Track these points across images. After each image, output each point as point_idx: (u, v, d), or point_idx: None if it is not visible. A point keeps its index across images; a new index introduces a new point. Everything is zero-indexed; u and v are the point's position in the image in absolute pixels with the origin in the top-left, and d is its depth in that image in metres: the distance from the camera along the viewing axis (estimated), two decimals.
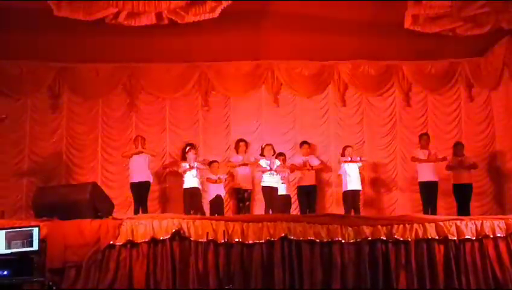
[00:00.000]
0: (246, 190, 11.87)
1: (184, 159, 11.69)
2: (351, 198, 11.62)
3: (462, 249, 9.02)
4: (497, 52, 12.19)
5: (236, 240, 8.75)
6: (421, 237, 8.98)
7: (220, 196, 11.57)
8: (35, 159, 12.52)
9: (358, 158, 11.85)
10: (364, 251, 8.87)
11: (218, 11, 9.46)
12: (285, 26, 11.03)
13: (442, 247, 9.01)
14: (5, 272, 7.50)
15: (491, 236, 9.06)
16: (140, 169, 11.60)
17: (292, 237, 8.80)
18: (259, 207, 11.97)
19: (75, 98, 12.87)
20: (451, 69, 13.03)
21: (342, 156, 11.92)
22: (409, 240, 8.95)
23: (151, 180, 11.75)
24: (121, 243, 8.63)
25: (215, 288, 8.55)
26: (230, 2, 9.24)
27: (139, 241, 8.66)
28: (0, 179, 12.20)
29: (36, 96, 12.74)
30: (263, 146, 11.64)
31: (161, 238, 8.68)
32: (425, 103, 13.15)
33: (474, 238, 9.06)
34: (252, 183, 12.06)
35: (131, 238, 8.65)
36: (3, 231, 7.90)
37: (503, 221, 9.22)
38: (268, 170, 11.18)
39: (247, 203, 11.91)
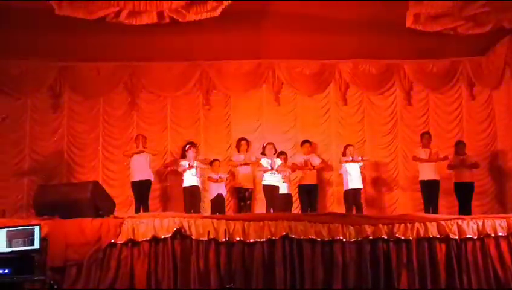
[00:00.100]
0: (247, 189, 11.87)
1: (184, 157, 11.68)
2: (352, 197, 11.60)
3: (464, 248, 9.03)
4: (499, 51, 12.19)
5: (238, 238, 8.76)
6: (422, 236, 8.99)
7: (221, 195, 11.59)
8: (36, 158, 12.53)
9: (360, 158, 11.84)
10: (365, 250, 8.88)
11: (219, 10, 9.45)
12: (286, 25, 11.01)
13: (443, 246, 9.01)
14: (6, 271, 7.50)
15: (493, 235, 9.07)
16: (142, 168, 11.60)
17: (293, 236, 8.81)
18: (260, 206, 11.97)
19: (76, 97, 12.88)
20: (452, 68, 13.02)
21: (343, 155, 11.92)
22: (411, 239, 8.95)
23: (152, 179, 11.75)
24: (122, 242, 8.65)
25: (217, 287, 8.55)
26: (231, 1, 9.23)
27: (140, 240, 8.67)
28: (1, 178, 12.21)
29: (37, 96, 12.75)
30: (264, 145, 11.64)
31: (162, 237, 8.69)
32: (427, 101, 13.14)
33: (476, 237, 9.06)
34: (253, 182, 12.06)
35: (132, 237, 8.66)
36: (5, 230, 7.90)
37: (505, 220, 9.22)
38: (270, 170, 11.16)
39: (248, 202, 11.91)
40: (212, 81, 12.95)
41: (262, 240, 8.77)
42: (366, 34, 11.40)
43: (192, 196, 11.32)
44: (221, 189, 11.61)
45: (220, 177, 11.60)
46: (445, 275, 8.88)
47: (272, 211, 10.89)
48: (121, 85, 12.88)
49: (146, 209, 11.36)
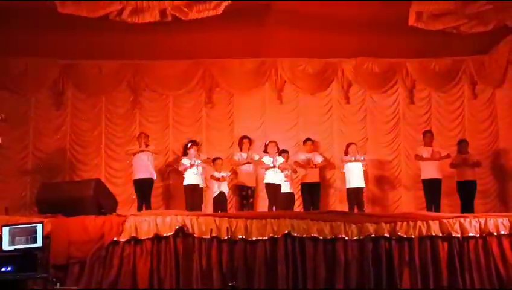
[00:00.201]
0: (250, 187, 11.86)
1: (186, 155, 11.68)
2: (354, 195, 11.59)
3: (466, 246, 9.03)
4: (502, 50, 12.18)
5: (240, 236, 8.77)
6: (424, 234, 8.99)
7: (224, 193, 11.59)
8: (39, 155, 12.56)
9: (362, 157, 11.83)
10: (367, 248, 8.89)
11: (222, 8, 9.47)
12: (288, 23, 11.01)
13: (445, 244, 9.02)
14: (9, 268, 7.49)
15: (495, 234, 9.07)
16: (144, 166, 11.60)
17: (295, 234, 8.83)
18: (262, 204, 11.97)
19: (79, 95, 12.90)
20: (455, 67, 12.99)
21: (345, 153, 11.90)
22: (413, 237, 8.96)
23: (154, 177, 11.74)
24: (124, 240, 8.67)
25: (219, 284, 8.56)
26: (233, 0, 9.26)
27: (142, 238, 8.69)
28: (4, 176, 12.24)
29: (40, 93, 12.77)
30: (267, 143, 11.63)
31: (165, 235, 8.72)
32: (429, 100, 13.12)
33: (478, 235, 9.06)
34: (256, 181, 12.06)
35: (135, 235, 8.69)
36: (8, 227, 7.92)
37: (507, 218, 9.22)
38: (272, 167, 11.15)
39: (251, 200, 11.89)
40: (215, 80, 12.96)
41: (264, 238, 8.79)
42: (368, 33, 11.38)
43: (193, 194, 11.32)
44: (223, 187, 11.62)
45: (222, 176, 11.60)
46: (447, 273, 8.88)
47: (274, 209, 10.89)
48: (123, 83, 12.90)
49: (148, 208, 11.37)
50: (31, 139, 12.58)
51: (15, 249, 7.76)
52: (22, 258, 7.59)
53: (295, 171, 11.98)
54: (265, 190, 11.45)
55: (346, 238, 8.88)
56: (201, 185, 11.52)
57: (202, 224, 8.81)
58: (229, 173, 11.96)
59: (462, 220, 9.16)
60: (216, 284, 8.59)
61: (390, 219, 9.17)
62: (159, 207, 12.08)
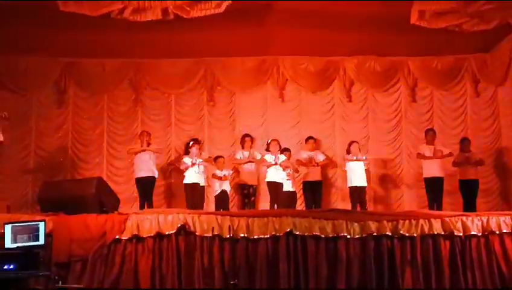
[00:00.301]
0: (251, 186, 11.85)
1: (187, 153, 11.68)
2: (356, 194, 11.59)
3: (468, 245, 9.01)
4: (504, 48, 12.16)
5: (242, 235, 8.76)
6: (426, 232, 8.97)
7: (225, 191, 11.60)
8: (41, 154, 12.57)
9: (364, 157, 11.81)
10: (369, 247, 8.87)
11: (224, 6, 9.47)
12: (290, 21, 11.00)
13: (448, 243, 9.00)
14: (11, 266, 7.49)
15: (497, 232, 9.04)
16: (146, 164, 11.59)
17: (297, 232, 8.81)
18: (264, 203, 11.96)
19: (81, 93, 12.92)
20: (457, 65, 12.99)
21: (347, 151, 11.87)
22: (415, 235, 8.94)
23: (156, 176, 11.74)
24: (126, 238, 8.67)
25: (221, 282, 8.56)
26: None
27: (144, 236, 8.69)
28: (6, 174, 12.22)
29: (42, 91, 12.79)
30: (269, 141, 11.60)
31: (166, 233, 8.71)
32: (431, 98, 13.11)
33: (480, 234, 9.04)
34: (257, 179, 12.06)
35: (136, 233, 8.68)
36: (10, 225, 7.92)
37: (509, 217, 9.19)
38: (273, 164, 11.14)
39: (253, 198, 11.89)
40: (217, 78, 12.97)
41: (266, 236, 8.77)
42: (370, 31, 11.36)
43: (193, 193, 11.30)
44: (225, 185, 11.62)
45: (224, 175, 11.60)
46: (449, 271, 8.86)
47: (276, 207, 10.89)
48: (125, 81, 12.92)
49: (150, 206, 11.36)
50: (32, 137, 12.60)
51: (17, 247, 7.76)
52: (24, 256, 7.59)
53: (297, 171, 11.97)
54: (267, 188, 11.44)
55: (348, 236, 8.86)
56: (202, 184, 11.51)
57: (204, 222, 8.80)
58: (231, 172, 11.97)
59: (464, 218, 9.14)
60: (218, 283, 8.59)
61: (392, 217, 9.16)
62: (161, 205, 12.09)
